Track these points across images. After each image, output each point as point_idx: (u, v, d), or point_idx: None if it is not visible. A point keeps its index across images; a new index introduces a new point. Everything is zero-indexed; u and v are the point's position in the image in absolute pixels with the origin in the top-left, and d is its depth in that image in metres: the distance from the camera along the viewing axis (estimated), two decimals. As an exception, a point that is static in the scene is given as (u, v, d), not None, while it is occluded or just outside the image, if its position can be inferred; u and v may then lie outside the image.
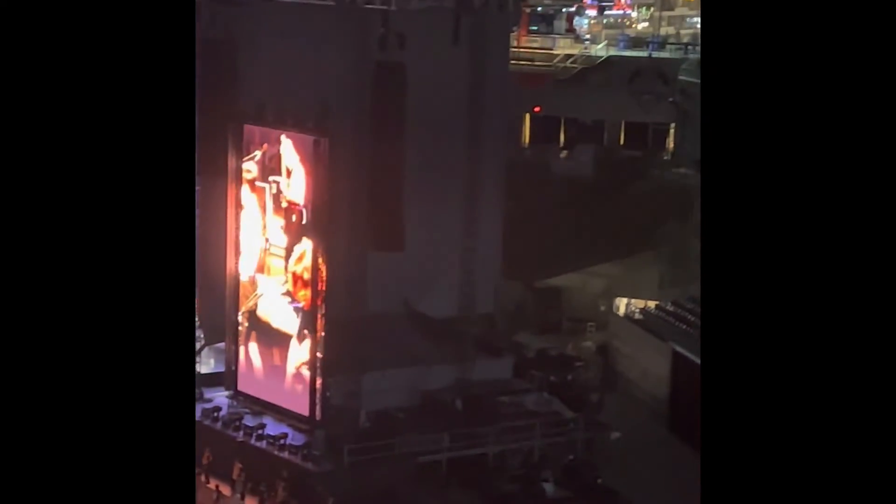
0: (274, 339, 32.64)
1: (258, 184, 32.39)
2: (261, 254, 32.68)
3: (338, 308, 31.55)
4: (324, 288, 31.36)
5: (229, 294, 33.73)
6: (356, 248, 31.75)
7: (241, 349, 33.62)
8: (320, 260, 31.25)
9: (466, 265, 34.29)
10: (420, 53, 31.95)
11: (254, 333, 33.20)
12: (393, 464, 30.50)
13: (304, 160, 31.25)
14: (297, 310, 31.90)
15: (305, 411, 31.89)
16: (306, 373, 31.84)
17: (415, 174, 32.65)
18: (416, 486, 30.20)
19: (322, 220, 31.14)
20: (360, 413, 32.17)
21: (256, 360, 33.34)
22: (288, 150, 31.59)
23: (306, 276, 31.51)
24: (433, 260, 34.86)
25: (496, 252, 37.24)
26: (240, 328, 33.50)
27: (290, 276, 31.96)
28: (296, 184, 31.52)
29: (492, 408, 33.48)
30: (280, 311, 32.34)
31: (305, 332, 31.74)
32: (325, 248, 31.24)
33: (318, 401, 31.69)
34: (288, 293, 32.10)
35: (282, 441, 31.42)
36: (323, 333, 31.41)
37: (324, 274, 31.26)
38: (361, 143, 31.47)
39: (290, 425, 32.07)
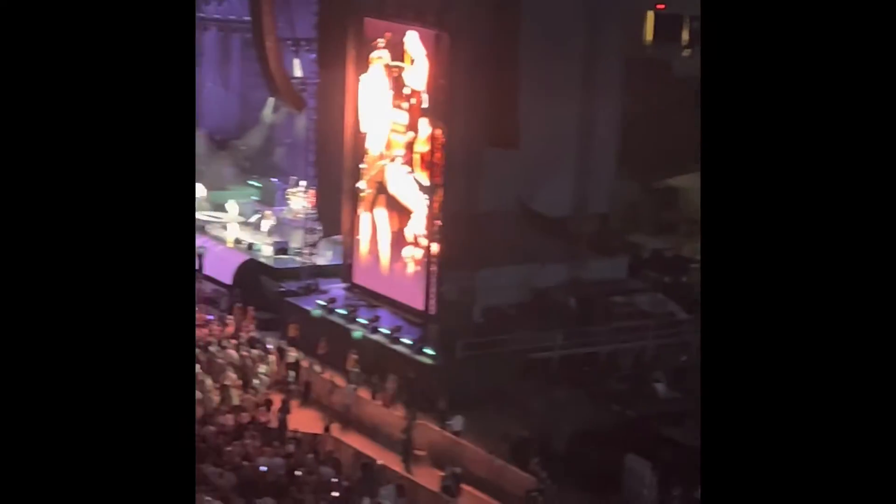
0: (396, 209, 32.78)
1: (381, 66, 32.36)
2: (386, 135, 32.74)
3: (453, 203, 31.67)
4: (440, 181, 31.50)
5: (347, 183, 34.04)
6: (472, 143, 31.68)
7: (358, 240, 34.00)
8: (437, 153, 31.35)
9: (582, 163, 34.07)
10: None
11: (380, 199, 33.31)
12: (505, 360, 30.72)
13: (425, 51, 31.22)
14: (419, 184, 31.97)
15: (420, 305, 32.21)
16: (421, 267, 32.12)
17: (532, 70, 32.34)
18: (527, 383, 30.40)
19: (440, 114, 31.18)
20: (473, 309, 32.38)
21: (377, 245, 33.66)
22: (411, 40, 31.56)
23: (425, 158, 31.58)
24: (548, 157, 34.64)
25: (613, 150, 36.86)
26: (363, 194, 33.61)
27: (415, 156, 31.96)
28: (418, 72, 31.54)
29: (605, 307, 33.45)
30: (404, 182, 32.42)
31: (423, 217, 31.87)
32: (442, 142, 31.30)
33: (432, 295, 31.97)
34: (409, 169, 32.19)
35: (395, 334, 31.83)
36: (439, 224, 31.58)
37: (440, 167, 31.38)
38: (480, 37, 31.22)
39: (404, 318, 32.44)
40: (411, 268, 32.51)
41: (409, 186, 32.31)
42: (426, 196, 31.82)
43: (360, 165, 33.71)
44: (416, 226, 32.24)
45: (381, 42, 32.47)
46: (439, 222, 31.68)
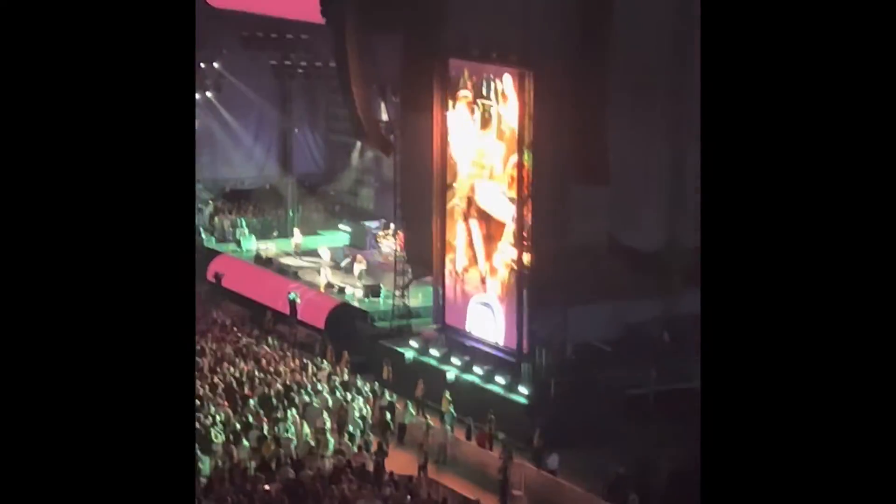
0: (484, 248, 32.79)
1: (467, 105, 32.52)
2: (474, 174, 32.85)
3: (542, 240, 31.61)
4: (529, 218, 31.47)
5: (437, 227, 34.16)
6: (561, 179, 31.62)
7: (446, 286, 34.03)
8: (525, 190, 31.35)
9: (673, 197, 33.83)
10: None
11: (468, 238, 33.34)
12: (599, 396, 30.52)
13: (511, 90, 31.28)
14: (511, 199, 31.94)
15: (512, 344, 32.14)
16: (512, 305, 32.06)
17: (620, 104, 32.23)
18: (622, 419, 30.15)
19: (528, 151, 31.20)
20: (565, 345, 32.24)
21: (466, 285, 33.64)
22: (496, 79, 31.66)
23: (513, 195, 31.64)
24: (638, 191, 34.44)
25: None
26: (453, 206, 33.71)
27: (503, 193, 32.00)
28: (505, 111, 31.59)
29: (699, 341, 33.00)
30: (496, 199, 32.41)
31: (513, 255, 31.84)
32: (531, 179, 31.29)
33: (524, 333, 31.88)
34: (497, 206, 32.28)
35: (489, 374, 31.77)
36: (529, 262, 31.52)
37: (529, 204, 31.36)
38: (567, 75, 31.21)
39: (496, 358, 32.38)
40: (502, 307, 32.44)
41: (497, 224, 32.28)
42: (515, 234, 31.79)
43: (448, 205, 33.77)
44: (506, 264, 32.18)
45: (466, 82, 32.60)
46: (529, 260, 31.60)
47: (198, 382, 30.74)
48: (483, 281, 32.97)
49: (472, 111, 32.58)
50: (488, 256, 32.68)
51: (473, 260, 33.19)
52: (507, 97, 31.48)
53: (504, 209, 31.98)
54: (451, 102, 33.14)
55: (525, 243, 31.43)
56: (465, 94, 32.77)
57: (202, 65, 43.17)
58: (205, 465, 26.25)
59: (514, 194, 31.59)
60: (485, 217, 32.64)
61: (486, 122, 32.27)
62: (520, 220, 31.41)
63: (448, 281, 34.15)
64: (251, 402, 29.94)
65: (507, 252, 32.00)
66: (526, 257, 31.56)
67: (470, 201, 33.05)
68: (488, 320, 32.92)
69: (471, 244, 33.25)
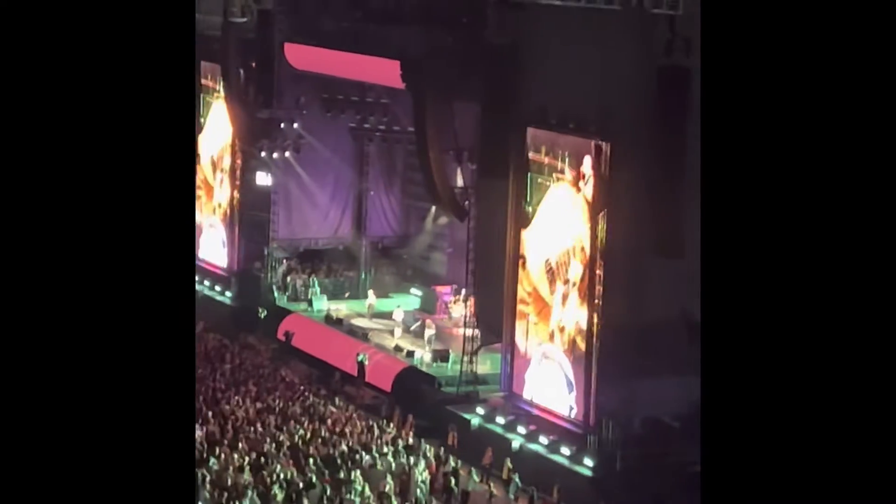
0: (556, 317, 32.76)
1: (545, 177, 32.63)
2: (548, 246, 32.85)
3: (614, 312, 31.46)
4: (602, 289, 31.36)
5: (507, 291, 34.14)
6: (635, 251, 31.49)
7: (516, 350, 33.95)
8: (599, 262, 31.28)
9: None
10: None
11: (538, 305, 33.32)
12: (666, 472, 30.17)
13: (589, 162, 31.34)
14: (580, 292, 31.90)
15: (579, 416, 31.92)
16: (581, 377, 31.88)
17: (695, 179, 32.03)
18: (689, 496, 29.72)
19: (602, 222, 31.17)
20: (633, 419, 31.95)
21: (536, 354, 33.52)
22: (574, 150, 31.75)
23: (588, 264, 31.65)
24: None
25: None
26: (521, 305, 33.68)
27: (577, 264, 32.01)
28: (582, 183, 31.62)
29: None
30: (564, 287, 32.43)
31: (584, 326, 31.72)
32: (605, 249, 31.24)
33: (591, 405, 31.66)
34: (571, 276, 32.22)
35: (554, 444, 31.56)
36: (599, 334, 31.38)
37: (602, 275, 31.27)
38: (644, 148, 31.19)
39: (563, 429, 32.17)
40: (570, 378, 32.27)
41: (570, 295, 32.21)
42: (586, 305, 31.68)
43: (520, 273, 33.76)
44: (577, 335, 32.06)
45: (544, 151, 32.69)
46: (598, 326, 31.47)
47: (265, 439, 30.91)
48: (551, 337, 32.83)
49: (549, 185, 32.66)
50: (559, 314, 32.59)
51: (545, 316, 33.06)
52: (583, 166, 31.55)
53: (575, 271, 31.94)
54: (527, 174, 33.23)
55: (596, 304, 31.30)
56: (543, 163, 32.83)
57: (282, 124, 43.64)
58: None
59: (584, 280, 31.59)
60: (555, 276, 32.59)
61: (560, 192, 32.32)
62: (591, 283, 31.31)
63: (517, 348, 34.04)
64: (315, 461, 29.95)
65: (577, 314, 31.89)
66: (595, 324, 31.41)
67: (546, 264, 33.02)
68: (555, 385, 32.71)
69: (541, 304, 33.17)
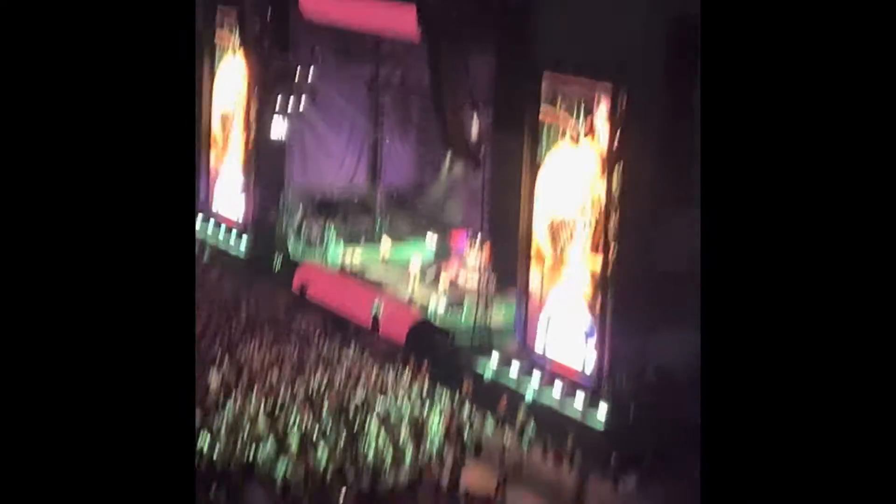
0: (569, 269, 32.87)
1: (557, 122, 32.55)
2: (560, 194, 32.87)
3: (626, 263, 31.50)
4: (614, 239, 31.39)
5: (522, 243, 34.19)
6: (647, 201, 31.47)
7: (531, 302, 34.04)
8: (612, 213, 31.28)
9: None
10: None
11: (553, 259, 33.37)
12: (678, 424, 30.27)
13: (605, 108, 31.29)
14: (593, 242, 32.03)
15: (592, 366, 32.03)
16: (595, 327, 31.97)
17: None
18: (700, 448, 29.85)
19: (616, 170, 31.14)
20: (647, 370, 32.02)
21: (549, 305, 33.61)
22: (590, 96, 31.72)
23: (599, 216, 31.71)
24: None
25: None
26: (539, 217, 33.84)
27: (590, 215, 32.08)
28: (595, 130, 31.59)
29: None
30: (577, 240, 32.60)
31: (597, 277, 31.77)
32: (619, 198, 31.22)
33: (605, 356, 31.76)
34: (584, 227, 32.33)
35: (567, 394, 31.70)
36: (612, 284, 31.44)
37: (616, 226, 31.28)
38: (659, 97, 31.12)
39: (576, 379, 32.30)
40: (584, 328, 32.37)
41: (585, 246, 32.25)
42: (600, 255, 31.72)
43: (534, 218, 33.79)
44: (590, 286, 32.13)
45: (558, 98, 32.63)
46: (613, 282, 31.53)
47: (281, 388, 31.15)
48: (565, 288, 32.90)
49: (564, 133, 32.61)
50: (572, 264, 32.64)
51: (558, 266, 33.13)
52: (597, 116, 31.50)
53: (589, 221, 31.97)
54: (540, 122, 33.19)
55: (610, 255, 31.33)
56: (554, 111, 32.77)
57: (297, 74, 43.55)
58: (282, 466, 26.59)
59: (597, 233, 31.64)
60: (569, 227, 32.62)
61: (575, 140, 32.30)
62: (606, 233, 31.33)
63: (532, 297, 34.12)
64: (330, 409, 30.17)
65: (591, 264, 31.93)
66: (609, 275, 31.47)
67: (560, 215, 33.03)
68: (569, 336, 32.83)
69: (554, 254, 33.23)
